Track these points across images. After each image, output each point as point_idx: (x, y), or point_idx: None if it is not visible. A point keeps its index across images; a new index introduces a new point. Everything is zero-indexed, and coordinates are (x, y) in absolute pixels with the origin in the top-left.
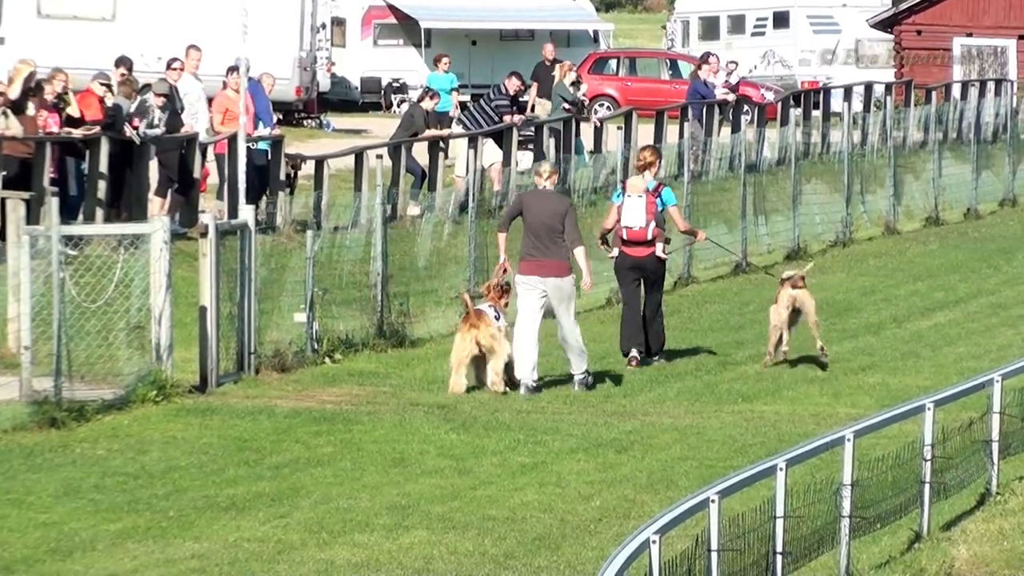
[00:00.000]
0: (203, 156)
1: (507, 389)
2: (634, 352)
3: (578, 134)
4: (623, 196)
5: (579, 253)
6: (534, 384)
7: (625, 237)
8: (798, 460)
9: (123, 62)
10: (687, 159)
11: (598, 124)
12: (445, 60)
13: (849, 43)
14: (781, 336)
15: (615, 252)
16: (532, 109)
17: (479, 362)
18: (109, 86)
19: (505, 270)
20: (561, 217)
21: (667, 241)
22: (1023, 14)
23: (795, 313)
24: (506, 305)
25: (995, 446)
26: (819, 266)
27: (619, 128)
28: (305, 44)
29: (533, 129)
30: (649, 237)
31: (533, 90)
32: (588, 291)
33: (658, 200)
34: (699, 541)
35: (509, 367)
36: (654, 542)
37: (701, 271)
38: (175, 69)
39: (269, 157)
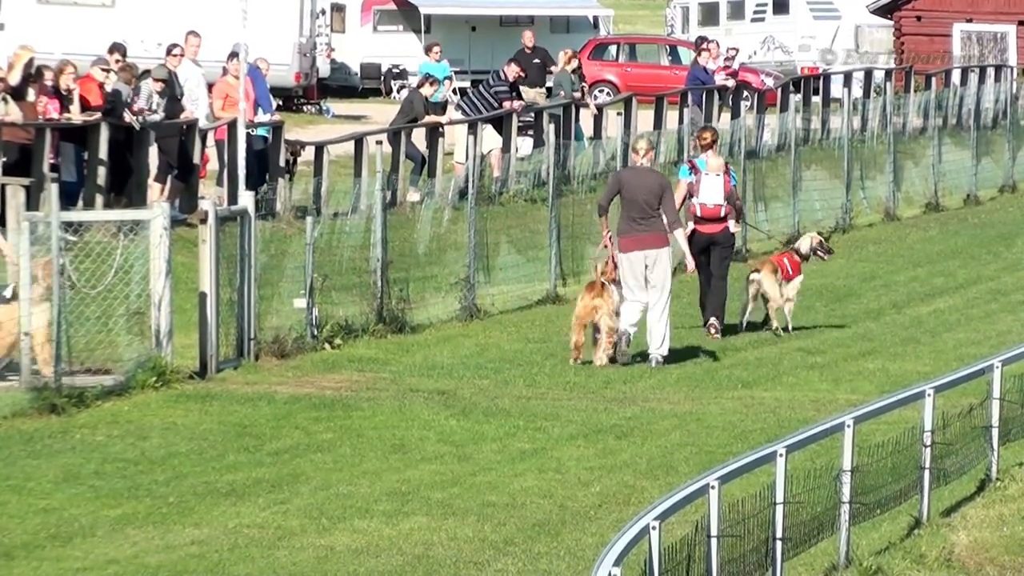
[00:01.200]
0: (203, 142)
1: (605, 363)
2: (714, 321)
3: (577, 120)
4: (696, 174)
5: (679, 235)
6: (664, 356)
7: (699, 214)
8: (798, 446)
9: (117, 48)
10: (687, 145)
11: (596, 110)
12: (436, 49)
13: (848, 30)
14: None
15: (690, 228)
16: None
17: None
18: (109, 71)
19: (607, 247)
20: (658, 193)
21: (736, 218)
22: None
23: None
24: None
25: (995, 432)
26: None
27: (619, 114)
28: (305, 30)
29: (533, 115)
30: (723, 214)
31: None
32: (691, 273)
33: (731, 178)
34: (699, 527)
35: (615, 346)
36: (654, 528)
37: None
38: (175, 55)
39: (269, 143)
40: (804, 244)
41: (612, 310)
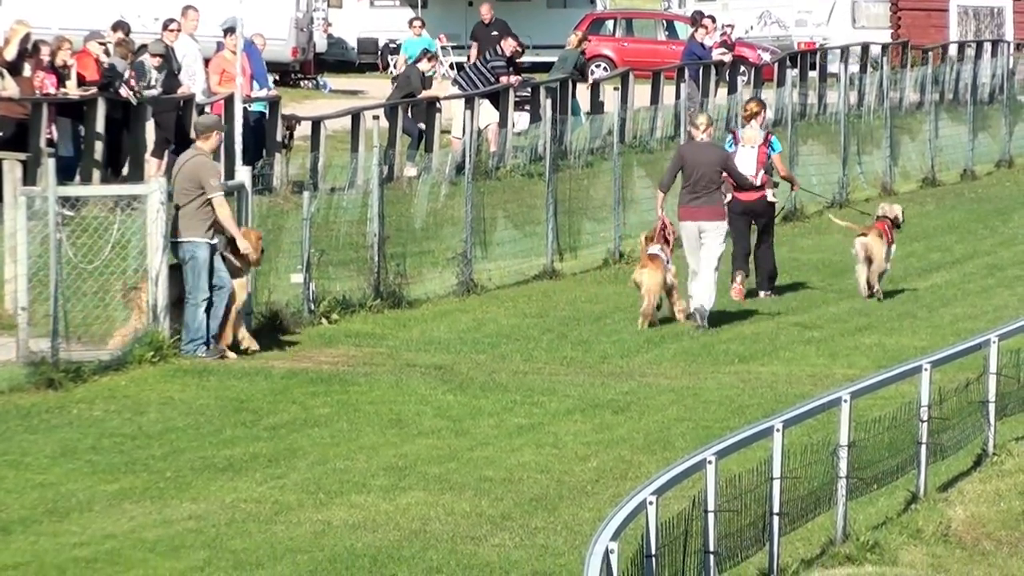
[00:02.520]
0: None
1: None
2: (738, 280)
3: (574, 95)
4: (736, 146)
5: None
6: (707, 312)
7: (736, 183)
8: (795, 421)
9: (120, 26)
10: (683, 120)
11: (587, 85)
12: (417, 24)
13: (845, 5)
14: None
15: (728, 197)
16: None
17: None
18: (106, 46)
19: (665, 226)
20: (719, 167)
21: (775, 185)
22: None
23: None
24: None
25: (992, 407)
26: (815, 227)
27: (615, 89)
28: (302, 5)
29: (529, 90)
30: (759, 183)
31: (473, 51)
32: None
33: (769, 148)
34: (696, 502)
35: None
36: (651, 503)
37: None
38: (172, 30)
39: (265, 118)
40: (898, 212)
41: (662, 278)
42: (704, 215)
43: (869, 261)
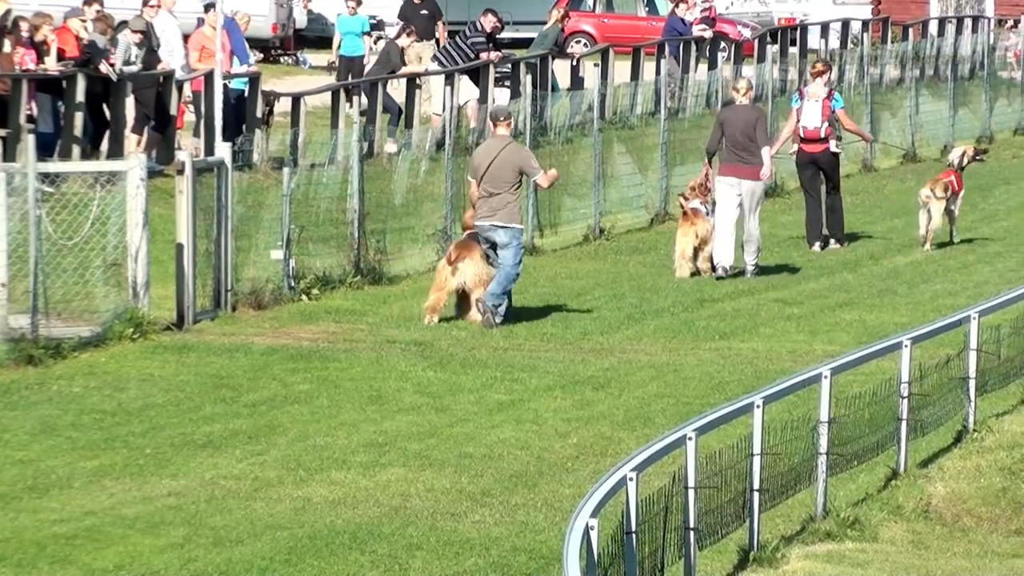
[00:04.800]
0: (180, 93)
1: (710, 272)
2: (816, 247)
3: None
4: (801, 101)
5: (765, 151)
6: (730, 267)
7: (802, 135)
8: (775, 397)
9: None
10: (663, 96)
11: (575, 62)
12: (352, 3)
13: None
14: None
15: (795, 149)
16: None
17: (696, 253)
18: (86, 23)
19: (707, 178)
20: (754, 125)
21: (839, 138)
22: None
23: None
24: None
25: (972, 383)
26: (795, 204)
27: (596, 65)
28: None
29: (509, 66)
30: (823, 135)
31: (400, 31)
32: (768, 180)
33: (833, 103)
34: (676, 478)
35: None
36: (631, 479)
37: (678, 208)
38: (152, 6)
39: (246, 94)
40: (956, 157)
41: (708, 226)
42: (745, 173)
43: (947, 214)
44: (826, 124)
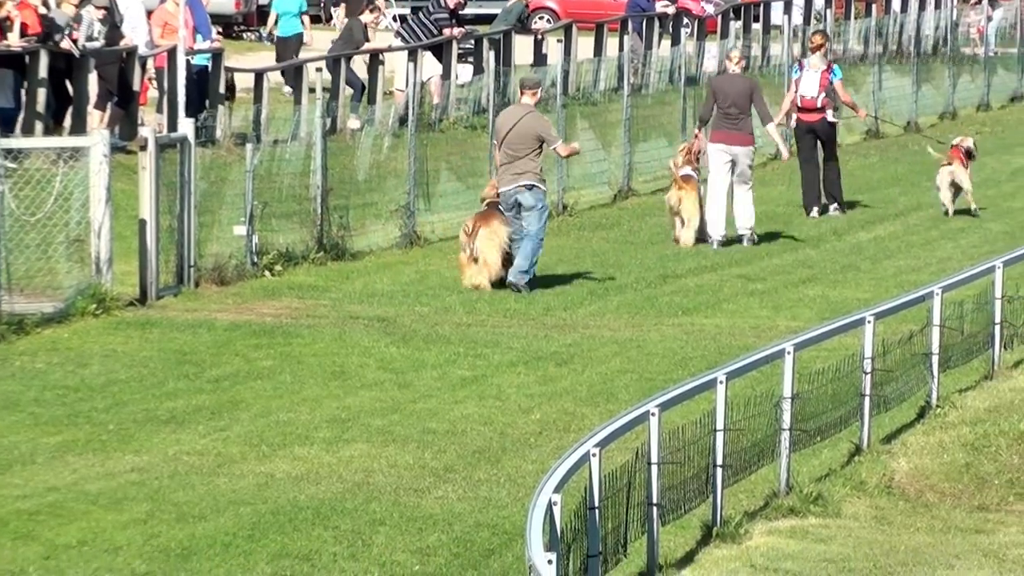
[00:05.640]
0: (143, 69)
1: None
2: (814, 213)
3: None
4: (801, 71)
5: (771, 128)
6: (722, 238)
7: (800, 104)
8: (738, 373)
9: None
10: (627, 72)
11: (539, 37)
12: None
13: None
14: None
15: (793, 119)
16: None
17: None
18: None
19: (694, 146)
20: (748, 95)
21: (835, 109)
22: None
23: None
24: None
25: (935, 359)
26: (759, 179)
27: (559, 41)
28: None
29: (472, 42)
30: (819, 105)
31: (341, 11)
32: (785, 160)
33: (831, 74)
34: (639, 454)
35: (701, 228)
36: (594, 455)
37: (641, 184)
38: None
39: (209, 70)
40: (970, 144)
41: (696, 198)
42: (735, 140)
43: (954, 187)
44: (823, 95)
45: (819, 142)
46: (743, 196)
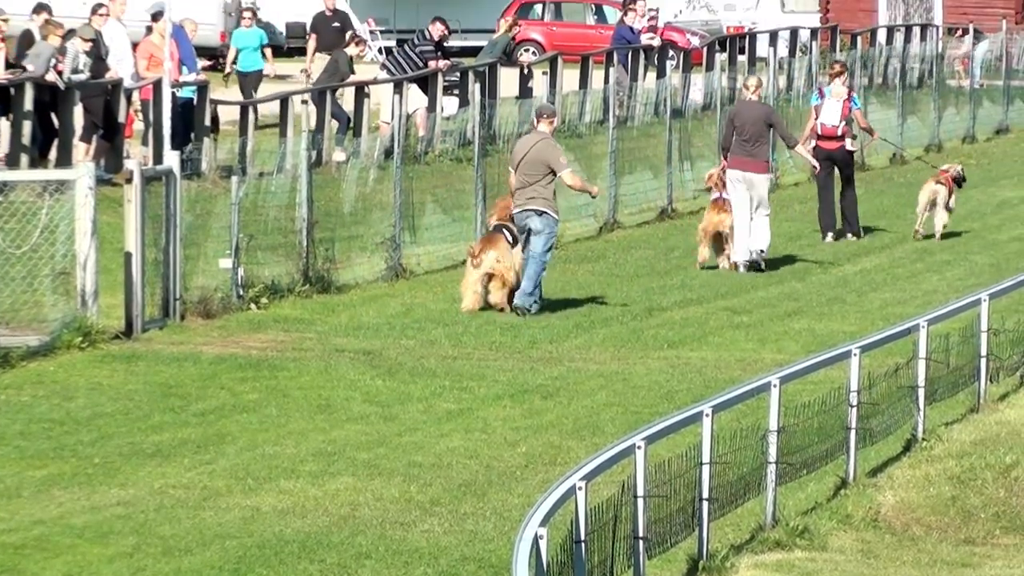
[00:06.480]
0: (128, 102)
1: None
2: (829, 238)
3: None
4: (821, 99)
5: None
6: (747, 262)
7: (820, 132)
8: (724, 406)
9: (43, 7)
10: (612, 104)
11: (525, 69)
12: (247, 16)
13: None
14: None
15: (812, 145)
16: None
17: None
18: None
19: (723, 172)
20: (766, 122)
21: (854, 137)
22: None
23: (933, 202)
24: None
25: (921, 392)
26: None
27: (544, 73)
28: None
29: (458, 74)
30: (840, 133)
31: (311, 42)
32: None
33: (851, 103)
34: (625, 487)
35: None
36: (580, 488)
37: (626, 216)
38: (101, 15)
39: (195, 103)
40: (959, 170)
41: (731, 222)
42: (752, 167)
43: (932, 207)
44: (843, 123)
45: (836, 169)
46: (760, 220)
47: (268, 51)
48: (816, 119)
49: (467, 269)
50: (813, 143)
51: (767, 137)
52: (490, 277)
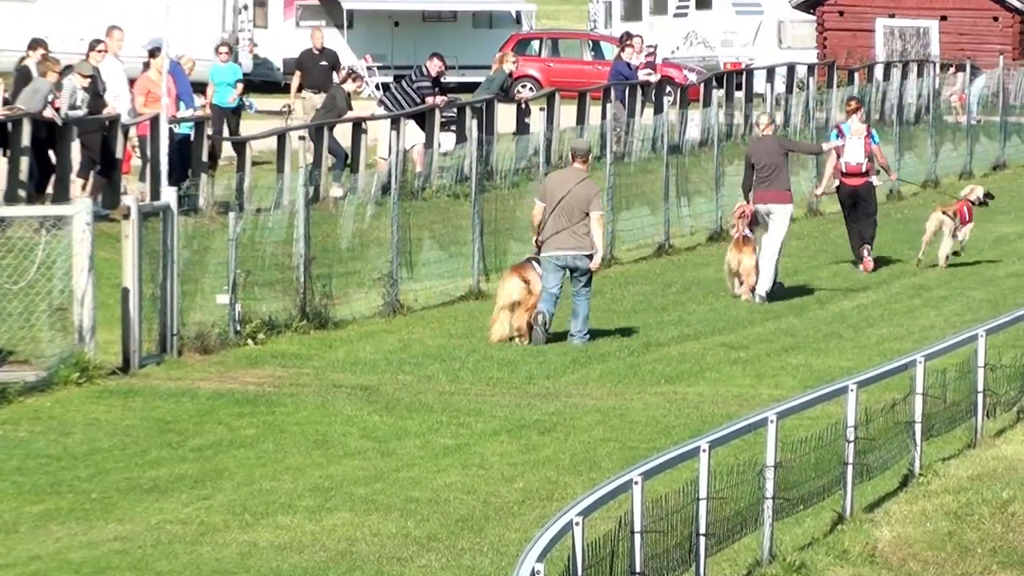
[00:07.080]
0: (125, 138)
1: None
2: (865, 254)
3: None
4: (842, 138)
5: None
6: (765, 295)
7: (844, 170)
8: (721, 441)
9: (39, 43)
10: (609, 140)
11: (522, 105)
12: (224, 50)
13: (771, 25)
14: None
15: (836, 183)
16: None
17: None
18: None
19: (745, 211)
20: (782, 152)
21: (877, 172)
22: None
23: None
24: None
25: (918, 427)
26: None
27: (541, 109)
28: (227, 25)
29: (455, 110)
30: (864, 170)
31: (296, 79)
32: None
33: (871, 140)
34: (622, 523)
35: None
36: (577, 524)
37: (624, 252)
38: (99, 51)
39: (192, 139)
40: (980, 193)
41: (754, 258)
42: (771, 198)
43: (937, 235)
44: (866, 159)
45: (856, 204)
46: (767, 254)
47: (240, 86)
48: (839, 158)
49: (500, 295)
50: (837, 182)
51: (785, 166)
52: (515, 304)
